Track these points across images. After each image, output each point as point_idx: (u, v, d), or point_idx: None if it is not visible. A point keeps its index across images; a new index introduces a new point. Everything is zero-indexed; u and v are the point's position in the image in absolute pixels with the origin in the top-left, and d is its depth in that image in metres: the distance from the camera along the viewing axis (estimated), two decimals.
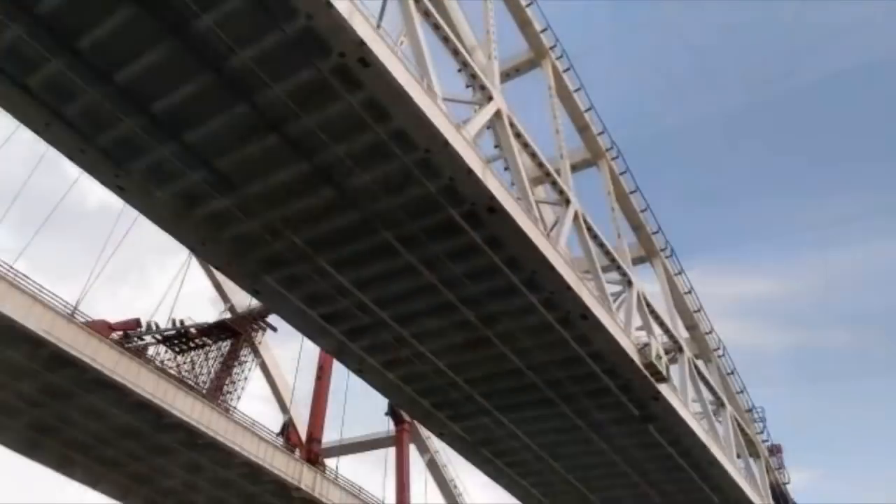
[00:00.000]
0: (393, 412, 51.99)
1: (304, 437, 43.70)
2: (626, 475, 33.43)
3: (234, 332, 39.95)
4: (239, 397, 40.35)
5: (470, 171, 20.01)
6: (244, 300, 46.23)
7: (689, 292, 38.68)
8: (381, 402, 52.87)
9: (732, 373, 41.00)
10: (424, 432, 53.10)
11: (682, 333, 36.05)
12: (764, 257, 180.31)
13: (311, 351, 48.57)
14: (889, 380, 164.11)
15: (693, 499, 34.63)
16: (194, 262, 47.52)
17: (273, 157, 20.57)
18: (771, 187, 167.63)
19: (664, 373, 27.38)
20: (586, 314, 24.39)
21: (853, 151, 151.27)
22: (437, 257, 22.95)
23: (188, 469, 39.47)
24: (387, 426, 51.76)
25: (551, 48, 32.27)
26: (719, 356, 40.71)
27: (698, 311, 39.64)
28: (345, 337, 27.41)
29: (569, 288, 23.42)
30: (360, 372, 29.34)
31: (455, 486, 53.62)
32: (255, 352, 44.83)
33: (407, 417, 52.21)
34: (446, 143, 19.37)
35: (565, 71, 33.29)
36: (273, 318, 44.47)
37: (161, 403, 34.22)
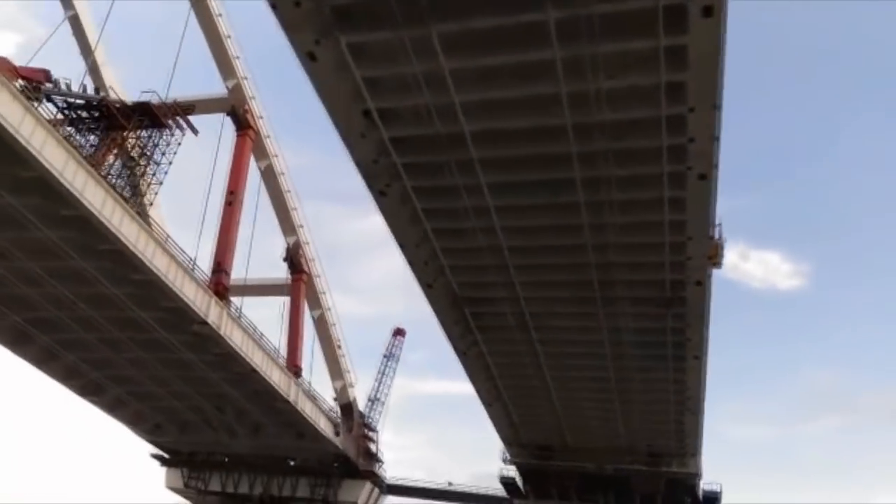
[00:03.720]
0: (291, 260, 45.68)
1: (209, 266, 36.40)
2: (602, 356, 31.49)
3: (156, 123, 30.52)
4: (151, 203, 31.81)
5: None
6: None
7: None
8: (277, 249, 46.37)
9: None
10: (320, 286, 47.70)
11: None
12: None
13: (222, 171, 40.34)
14: None
15: (651, 391, 33.78)
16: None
17: None
18: None
19: (720, 259, 25.09)
20: (706, 174, 20.78)
21: None
22: (591, 61, 17.74)
23: (67, 279, 30.98)
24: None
25: None
26: None
27: None
28: (390, 144, 21.34)
29: (714, 138, 19.55)
30: (381, 195, 23.43)
31: (339, 347, 49.45)
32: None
33: (306, 268, 46.35)
34: None
35: None
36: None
37: (69, 186, 25.44)
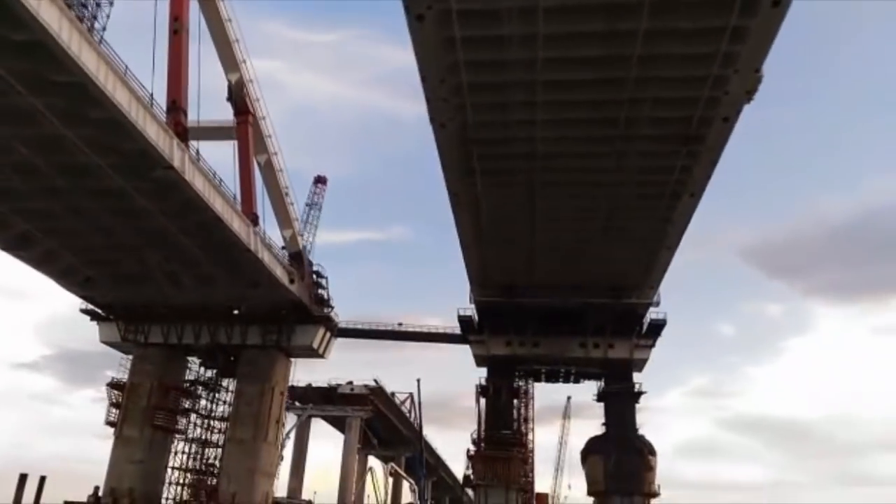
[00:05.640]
0: (234, 100, 40.87)
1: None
2: (598, 196, 31.21)
3: None
4: (104, 28, 26.50)
5: None
6: None
7: None
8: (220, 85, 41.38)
9: None
10: (265, 129, 43.46)
11: None
12: None
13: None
14: None
15: (635, 228, 34.00)
16: None
17: None
18: None
19: (754, 94, 24.54)
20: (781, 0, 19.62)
21: None
22: None
23: (7, 118, 26.37)
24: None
25: None
26: None
27: None
28: None
29: None
30: (418, 18, 20.69)
31: (287, 194, 46.32)
32: None
33: (251, 108, 41.93)
34: None
35: None
36: None
37: (25, 2, 20.67)
